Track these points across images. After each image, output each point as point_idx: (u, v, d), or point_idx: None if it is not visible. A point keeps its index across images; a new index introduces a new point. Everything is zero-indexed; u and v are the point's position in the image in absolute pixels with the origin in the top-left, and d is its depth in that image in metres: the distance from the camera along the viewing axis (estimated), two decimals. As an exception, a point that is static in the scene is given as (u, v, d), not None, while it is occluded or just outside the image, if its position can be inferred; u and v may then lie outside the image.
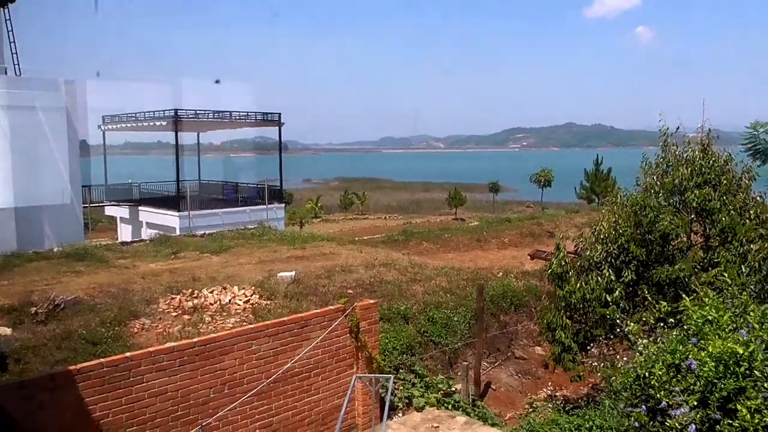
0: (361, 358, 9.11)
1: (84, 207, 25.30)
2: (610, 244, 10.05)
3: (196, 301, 11.92)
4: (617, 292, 9.55)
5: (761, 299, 8.70)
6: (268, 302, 12.17)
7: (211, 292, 12.38)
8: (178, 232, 22.78)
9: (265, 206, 23.58)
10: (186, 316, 11.02)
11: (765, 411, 5.52)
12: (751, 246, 9.41)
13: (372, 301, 9.42)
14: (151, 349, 7.38)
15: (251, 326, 8.13)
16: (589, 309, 9.91)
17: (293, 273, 13.86)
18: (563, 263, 10.13)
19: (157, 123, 26.70)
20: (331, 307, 8.96)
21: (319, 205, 61.60)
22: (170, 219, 25.42)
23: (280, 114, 24.98)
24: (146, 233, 24.90)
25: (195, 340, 7.48)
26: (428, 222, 47.62)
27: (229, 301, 12.06)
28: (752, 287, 9.20)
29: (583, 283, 9.82)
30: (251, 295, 12.47)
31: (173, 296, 11.86)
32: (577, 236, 11.02)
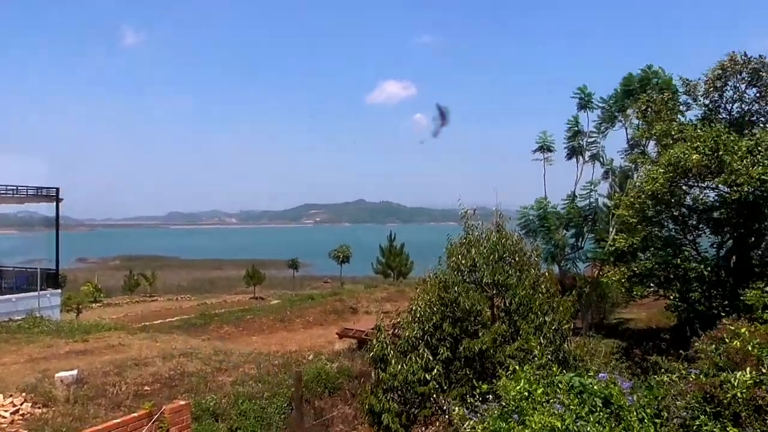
0: (170, 471, 7.89)
1: None
2: (425, 323, 10.28)
3: (-58, 418, 9.60)
4: (435, 370, 9.68)
5: (558, 367, 9.47)
6: (44, 411, 10.39)
7: (-34, 405, 10.11)
8: None
9: (36, 293, 20.42)
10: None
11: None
12: (545, 318, 10.34)
13: (183, 402, 8.33)
14: None
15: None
16: (410, 389, 9.89)
17: (75, 372, 12.01)
18: (384, 345, 10.07)
19: None
20: (135, 414, 7.70)
21: (98, 287, 55.41)
22: None
23: (58, 189, 22.57)
24: None
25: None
26: (225, 302, 45.45)
27: (-8, 413, 9.92)
28: (549, 356, 10.03)
29: (403, 365, 9.81)
30: (21, 404, 10.53)
31: None
32: (395, 315, 11.13)
